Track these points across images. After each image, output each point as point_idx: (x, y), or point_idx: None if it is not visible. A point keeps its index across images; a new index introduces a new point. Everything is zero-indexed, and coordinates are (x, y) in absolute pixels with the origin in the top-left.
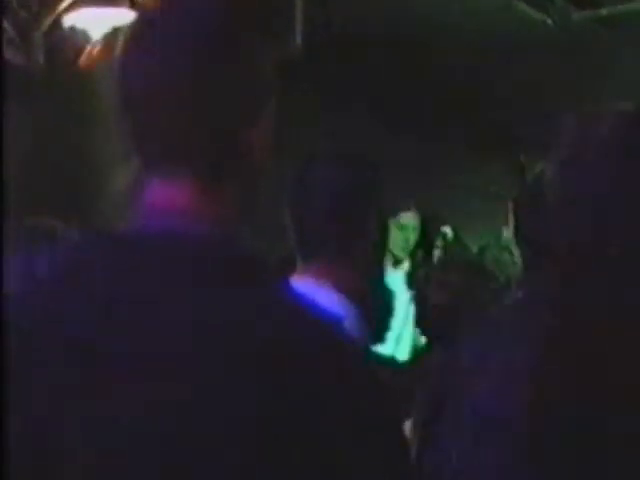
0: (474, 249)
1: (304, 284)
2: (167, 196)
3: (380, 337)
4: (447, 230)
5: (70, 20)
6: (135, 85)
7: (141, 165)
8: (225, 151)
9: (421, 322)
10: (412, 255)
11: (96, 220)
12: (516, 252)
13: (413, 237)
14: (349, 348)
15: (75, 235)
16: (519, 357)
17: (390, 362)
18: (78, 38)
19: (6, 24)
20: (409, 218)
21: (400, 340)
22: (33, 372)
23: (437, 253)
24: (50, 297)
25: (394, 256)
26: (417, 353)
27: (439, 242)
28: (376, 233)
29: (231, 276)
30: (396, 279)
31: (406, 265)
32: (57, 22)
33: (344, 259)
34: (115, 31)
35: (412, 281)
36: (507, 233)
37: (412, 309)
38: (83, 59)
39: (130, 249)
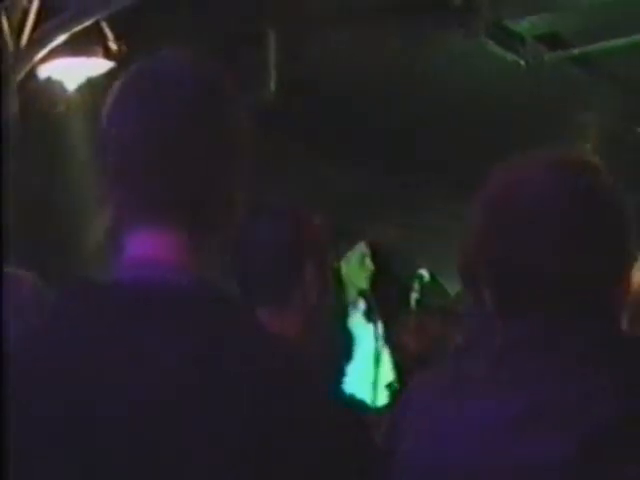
0: (452, 292)
1: None
2: (152, 247)
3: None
4: (424, 272)
5: (45, 71)
6: (123, 138)
7: (124, 216)
8: (211, 204)
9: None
10: (363, 294)
11: (71, 270)
12: None
13: (369, 263)
14: (318, 379)
15: (51, 287)
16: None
17: (365, 407)
18: (54, 89)
19: None
20: (358, 249)
21: (377, 384)
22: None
23: (414, 296)
24: (40, 348)
25: (358, 288)
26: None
27: (416, 285)
28: (319, 281)
29: (218, 320)
30: (357, 319)
31: (361, 304)
32: (32, 73)
33: (285, 307)
34: (89, 81)
35: (372, 319)
36: None
37: (382, 349)
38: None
39: (117, 299)
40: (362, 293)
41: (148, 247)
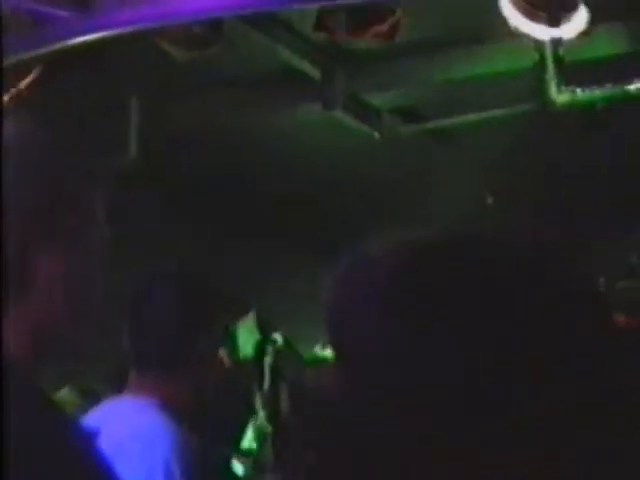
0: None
1: (134, 401)
2: None
3: None
4: (277, 336)
5: None
6: None
7: None
8: None
9: None
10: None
11: None
12: None
13: (256, 333)
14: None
15: None
16: None
17: None
18: None
19: None
20: (247, 320)
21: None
22: None
23: (268, 360)
24: None
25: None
26: None
27: (269, 349)
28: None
29: None
30: None
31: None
32: None
33: (171, 375)
34: None
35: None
36: None
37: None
38: None
39: None
40: None
41: None
